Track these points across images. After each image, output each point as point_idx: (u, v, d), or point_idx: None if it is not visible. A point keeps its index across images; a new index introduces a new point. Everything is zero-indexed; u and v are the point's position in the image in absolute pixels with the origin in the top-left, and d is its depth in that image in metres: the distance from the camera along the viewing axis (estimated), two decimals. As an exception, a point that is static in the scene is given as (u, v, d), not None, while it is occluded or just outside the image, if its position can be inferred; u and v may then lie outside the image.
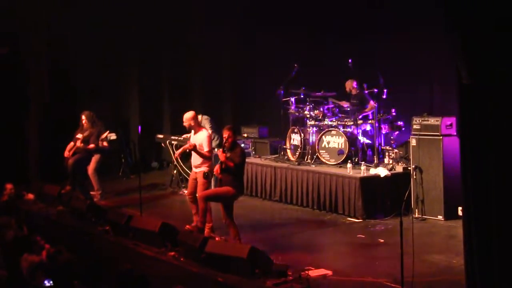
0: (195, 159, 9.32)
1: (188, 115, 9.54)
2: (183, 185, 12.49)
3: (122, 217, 9.05)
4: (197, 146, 9.16)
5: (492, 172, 5.25)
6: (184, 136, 12.83)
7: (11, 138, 13.20)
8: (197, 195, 9.15)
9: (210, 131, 12.39)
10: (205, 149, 9.21)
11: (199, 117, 12.75)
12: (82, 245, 8.83)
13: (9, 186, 10.82)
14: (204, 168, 9.20)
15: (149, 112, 15.11)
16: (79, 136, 11.38)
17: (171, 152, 12.68)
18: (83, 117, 11.50)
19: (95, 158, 11.79)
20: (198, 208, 9.04)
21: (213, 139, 12.24)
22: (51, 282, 5.83)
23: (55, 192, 11.01)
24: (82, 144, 11.27)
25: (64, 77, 13.93)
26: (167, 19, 14.70)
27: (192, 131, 9.61)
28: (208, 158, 9.27)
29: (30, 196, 11.38)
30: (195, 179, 9.30)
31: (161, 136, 13.39)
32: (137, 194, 10.08)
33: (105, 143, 11.78)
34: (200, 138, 9.35)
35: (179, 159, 12.57)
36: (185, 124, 9.55)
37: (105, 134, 11.69)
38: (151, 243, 8.32)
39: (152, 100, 15.28)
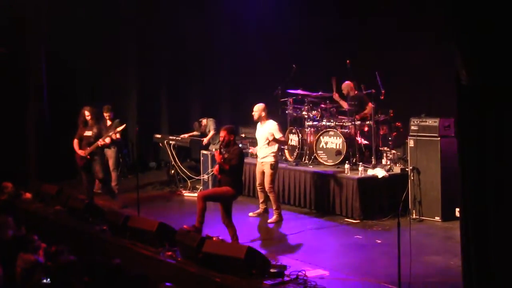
0: (261, 150, 10.10)
1: (259, 106, 10.16)
2: (180, 185, 12.51)
3: (119, 217, 9.03)
4: (268, 136, 9.95)
5: (490, 174, 5.26)
6: (182, 136, 12.86)
7: (9, 137, 13.20)
8: (264, 186, 10.17)
9: (213, 132, 12.50)
10: (278, 135, 10.00)
11: (204, 120, 12.86)
12: (80, 245, 8.82)
13: (9, 185, 10.80)
14: (271, 159, 10.02)
15: (147, 112, 15.12)
16: (89, 133, 11.07)
17: (169, 152, 12.70)
18: (87, 113, 11.15)
19: (113, 153, 11.79)
20: (264, 197, 10.27)
21: (217, 141, 12.29)
22: (49, 280, 5.82)
23: (53, 191, 10.99)
24: (104, 142, 10.95)
25: (63, 77, 13.94)
26: (166, 18, 14.71)
27: (259, 122, 10.22)
28: (284, 142, 10.59)
29: (28, 195, 11.35)
30: (263, 171, 10.14)
31: (159, 136, 13.40)
32: (135, 194, 10.06)
33: (118, 135, 11.77)
34: (270, 127, 10.07)
35: (176, 159, 12.59)
36: (255, 114, 10.16)
37: (121, 128, 11.67)
38: (148, 243, 8.30)
39: (150, 100, 15.29)
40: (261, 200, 10.40)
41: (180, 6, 14.68)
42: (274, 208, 10.12)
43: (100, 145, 10.96)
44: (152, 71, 15.18)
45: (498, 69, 5.16)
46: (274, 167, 10.09)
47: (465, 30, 5.26)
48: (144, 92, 15.16)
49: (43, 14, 13.57)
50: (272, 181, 10.13)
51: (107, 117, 12.05)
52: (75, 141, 11.11)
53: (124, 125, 11.65)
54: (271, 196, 10.14)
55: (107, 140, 11.07)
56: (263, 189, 10.28)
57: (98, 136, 11.05)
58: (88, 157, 10.93)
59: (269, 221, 10.02)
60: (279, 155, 10.61)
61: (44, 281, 5.83)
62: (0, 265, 6.30)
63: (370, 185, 10.20)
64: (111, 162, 11.86)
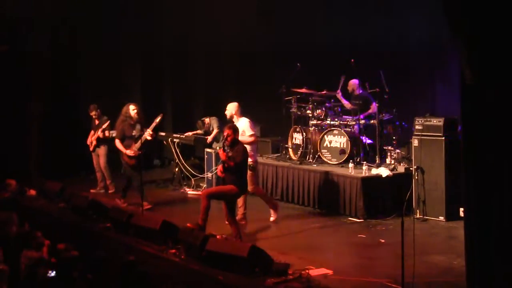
0: None
1: (231, 105, 9.92)
2: (184, 183, 12.51)
3: (123, 214, 9.06)
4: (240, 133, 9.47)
5: (494, 174, 5.25)
6: (186, 134, 12.87)
7: (13, 134, 13.22)
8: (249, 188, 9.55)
9: (217, 130, 12.49)
10: (248, 133, 9.60)
11: (207, 119, 12.84)
12: (83, 242, 8.84)
13: (12, 182, 10.81)
14: (248, 160, 9.40)
15: (151, 110, 15.10)
16: (134, 132, 10.79)
17: (173, 150, 12.70)
18: (133, 107, 10.84)
19: (103, 151, 11.82)
20: (242, 201, 9.54)
21: (221, 139, 12.30)
22: (55, 272, 5.84)
23: (56, 188, 11.01)
24: (151, 135, 10.64)
25: (66, 74, 13.96)
26: (168, 18, 14.72)
27: (233, 121, 9.89)
28: (253, 142, 9.71)
29: (32, 192, 11.38)
30: None
31: (163, 134, 13.38)
32: (139, 191, 10.08)
33: (106, 133, 11.86)
34: (241, 126, 9.63)
35: (180, 157, 12.60)
36: (227, 112, 9.92)
37: (105, 125, 11.77)
38: (152, 240, 8.32)
39: (154, 98, 15.30)
40: (239, 205, 9.61)
41: (182, 5, 14.68)
42: (269, 206, 9.92)
43: (149, 139, 10.69)
44: (156, 69, 15.18)
45: (502, 69, 5.16)
46: (252, 167, 9.57)
47: (471, 30, 5.26)
48: (148, 90, 15.15)
49: (45, 12, 13.57)
50: (254, 182, 9.72)
51: (94, 116, 12.00)
52: (117, 141, 10.78)
53: (108, 121, 11.72)
54: (259, 196, 9.88)
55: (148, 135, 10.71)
56: None
57: (142, 133, 10.78)
58: (140, 152, 10.65)
59: (271, 219, 9.96)
60: (256, 154, 10.05)
61: (50, 273, 5.84)
62: (5, 263, 6.32)
63: (374, 184, 10.18)
64: (102, 160, 11.88)
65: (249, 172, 9.46)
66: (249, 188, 9.60)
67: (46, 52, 13.78)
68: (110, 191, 11.80)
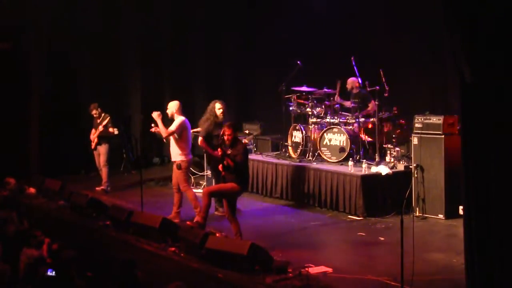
0: (172, 149, 9.83)
1: (172, 103, 9.99)
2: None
3: (122, 213, 9.06)
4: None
5: (493, 172, 5.25)
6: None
7: (12, 132, 13.22)
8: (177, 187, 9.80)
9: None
10: (172, 128, 9.68)
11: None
12: (83, 240, 8.84)
13: (11, 181, 10.80)
14: (179, 158, 9.64)
15: (150, 108, 15.08)
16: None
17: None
18: (219, 105, 10.17)
19: (104, 149, 11.83)
20: (177, 199, 9.78)
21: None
22: (54, 272, 5.84)
23: (56, 186, 11.01)
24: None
25: (66, 72, 13.95)
26: (169, 17, 14.72)
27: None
28: (166, 133, 9.71)
29: (32, 190, 11.38)
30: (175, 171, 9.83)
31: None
32: (138, 189, 10.08)
33: (110, 130, 11.97)
34: (174, 123, 9.78)
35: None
36: (168, 111, 9.97)
37: (106, 121, 11.89)
38: (151, 238, 8.33)
39: (154, 96, 15.30)
40: (174, 201, 9.90)
41: (184, 3, 14.69)
42: (201, 216, 8.80)
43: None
44: (156, 68, 15.17)
45: (502, 67, 5.15)
46: (179, 166, 9.66)
47: (469, 28, 5.25)
48: (148, 88, 15.15)
49: (46, 10, 13.56)
50: (184, 181, 9.75)
51: (95, 115, 12.02)
52: (201, 139, 10.22)
53: (109, 117, 11.83)
54: (187, 196, 9.75)
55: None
56: (177, 189, 9.88)
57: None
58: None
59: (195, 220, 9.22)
60: (190, 156, 9.92)
61: (49, 273, 5.85)
62: (5, 262, 6.32)
63: (373, 182, 10.18)
64: (102, 159, 11.88)
65: (177, 171, 9.68)
66: (181, 186, 9.79)
67: (46, 52, 13.77)
68: (99, 188, 11.78)
